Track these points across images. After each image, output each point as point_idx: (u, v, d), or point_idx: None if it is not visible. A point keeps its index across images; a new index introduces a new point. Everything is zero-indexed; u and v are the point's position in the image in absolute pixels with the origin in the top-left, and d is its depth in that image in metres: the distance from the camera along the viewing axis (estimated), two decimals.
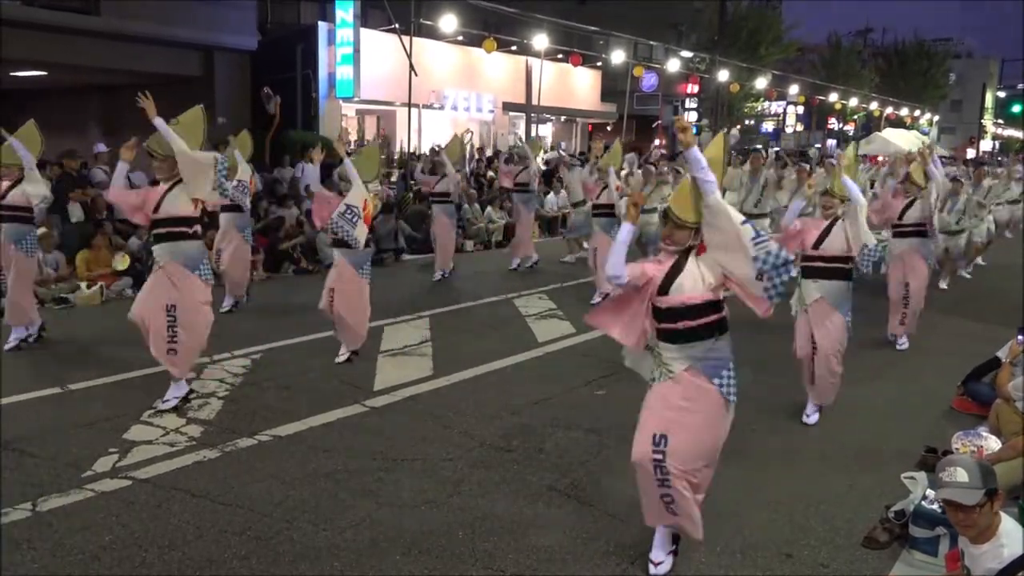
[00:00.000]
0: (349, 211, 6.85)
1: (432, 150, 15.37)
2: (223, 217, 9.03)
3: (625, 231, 3.74)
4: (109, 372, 6.65)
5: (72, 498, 4.47)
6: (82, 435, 5.36)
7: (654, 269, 3.77)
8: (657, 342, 3.81)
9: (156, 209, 5.82)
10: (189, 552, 3.95)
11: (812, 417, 6.03)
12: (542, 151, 14.07)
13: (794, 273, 3.54)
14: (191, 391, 6.09)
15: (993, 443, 4.83)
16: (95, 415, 5.68)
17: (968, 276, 12.77)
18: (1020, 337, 5.35)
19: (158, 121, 5.69)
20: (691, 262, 3.72)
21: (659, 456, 3.67)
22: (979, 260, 13.49)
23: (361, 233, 6.91)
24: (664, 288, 3.72)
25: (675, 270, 3.72)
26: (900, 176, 9.03)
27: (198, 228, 6.03)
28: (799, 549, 4.16)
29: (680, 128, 3.85)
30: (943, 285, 11.39)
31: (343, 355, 7.18)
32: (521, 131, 12.47)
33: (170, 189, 5.82)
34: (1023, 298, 9.18)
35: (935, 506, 4.08)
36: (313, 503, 4.49)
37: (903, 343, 8.26)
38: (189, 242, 5.88)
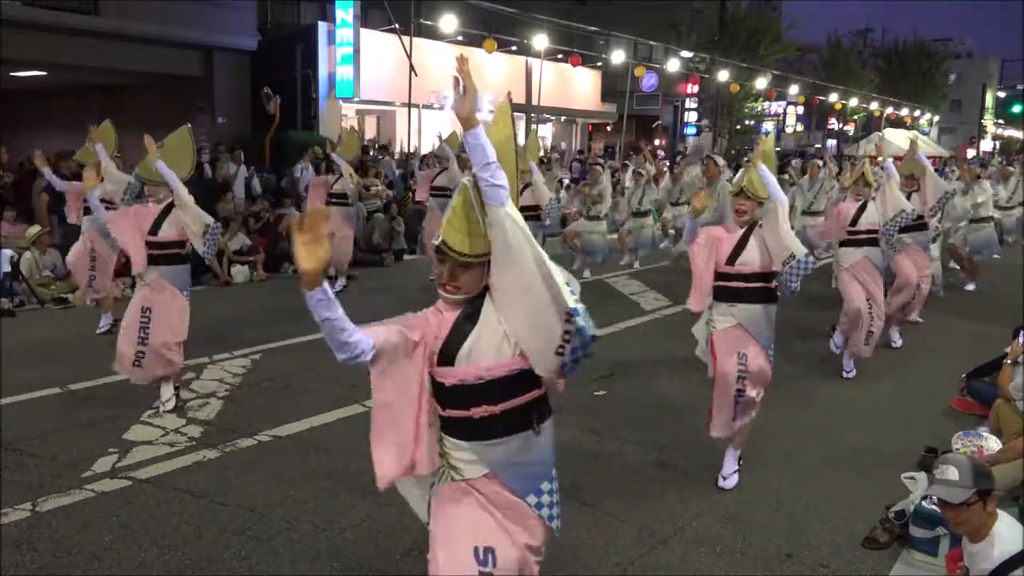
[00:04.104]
0: (212, 228, 5.83)
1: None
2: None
3: None
4: (109, 372, 6.63)
5: (72, 498, 4.48)
6: (82, 435, 5.37)
7: (429, 322, 2.57)
8: (443, 436, 2.61)
9: None
10: (189, 552, 3.95)
11: (730, 479, 4.80)
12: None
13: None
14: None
15: (993, 443, 4.83)
16: (95, 415, 5.68)
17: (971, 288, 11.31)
18: (1021, 337, 5.34)
19: None
20: (488, 312, 2.52)
21: None
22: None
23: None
24: (447, 355, 2.51)
25: (460, 328, 2.52)
26: (904, 176, 7.90)
27: None
28: (799, 549, 4.16)
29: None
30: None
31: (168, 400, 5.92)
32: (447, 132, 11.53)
33: None
34: (1023, 298, 9.17)
35: (935, 506, 4.08)
36: (313, 503, 4.49)
37: (849, 371, 7.06)
38: None
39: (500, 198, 2.39)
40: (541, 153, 17.30)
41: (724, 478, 4.80)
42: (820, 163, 13.15)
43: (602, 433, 5.61)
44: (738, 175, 4.97)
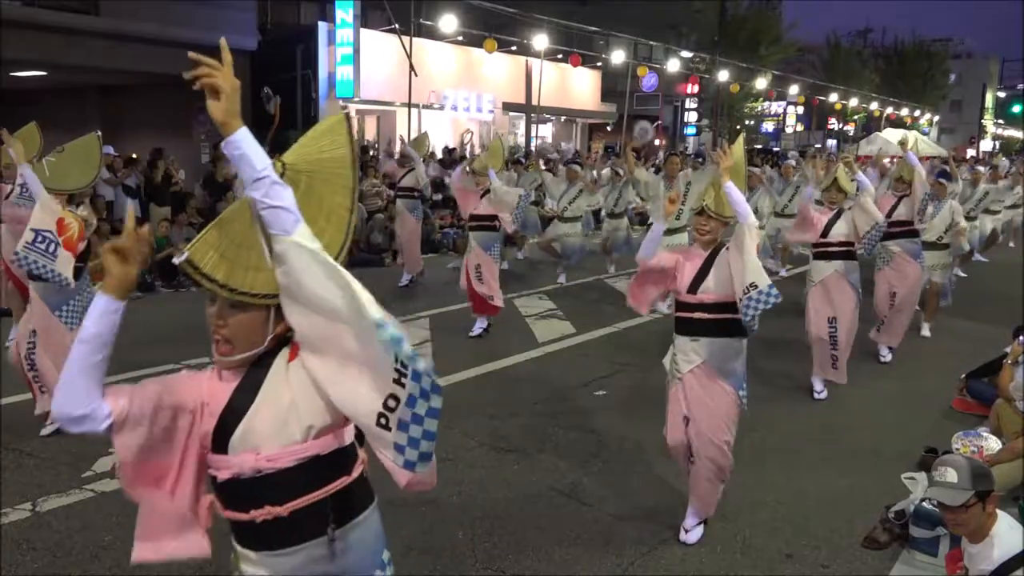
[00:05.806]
0: (39, 238, 5.04)
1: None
2: None
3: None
4: (109, 372, 6.63)
5: (72, 498, 4.48)
6: (82, 435, 5.35)
7: (202, 389, 1.95)
8: (232, 542, 2.16)
9: None
10: None
11: (693, 533, 4.19)
12: (428, 150, 12.41)
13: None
14: None
15: (994, 443, 4.83)
16: None
17: (963, 274, 11.65)
18: (1021, 338, 5.34)
19: None
20: (275, 380, 1.90)
21: None
22: (980, 257, 13.17)
23: (64, 265, 5.10)
24: (221, 439, 1.91)
25: (236, 401, 1.91)
26: (894, 179, 7.63)
27: None
28: (799, 549, 4.16)
29: None
30: (925, 332, 8.54)
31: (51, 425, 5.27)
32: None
33: None
34: (1023, 298, 9.18)
35: (935, 506, 4.08)
36: None
37: (821, 392, 6.56)
38: None
39: (283, 224, 1.80)
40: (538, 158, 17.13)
41: (686, 531, 4.19)
42: (792, 163, 12.74)
43: (602, 433, 5.61)
44: (695, 190, 4.51)
